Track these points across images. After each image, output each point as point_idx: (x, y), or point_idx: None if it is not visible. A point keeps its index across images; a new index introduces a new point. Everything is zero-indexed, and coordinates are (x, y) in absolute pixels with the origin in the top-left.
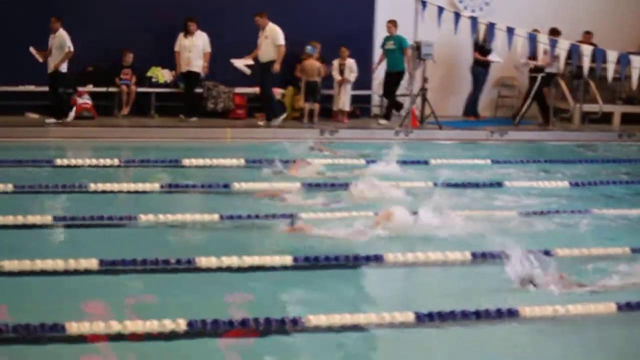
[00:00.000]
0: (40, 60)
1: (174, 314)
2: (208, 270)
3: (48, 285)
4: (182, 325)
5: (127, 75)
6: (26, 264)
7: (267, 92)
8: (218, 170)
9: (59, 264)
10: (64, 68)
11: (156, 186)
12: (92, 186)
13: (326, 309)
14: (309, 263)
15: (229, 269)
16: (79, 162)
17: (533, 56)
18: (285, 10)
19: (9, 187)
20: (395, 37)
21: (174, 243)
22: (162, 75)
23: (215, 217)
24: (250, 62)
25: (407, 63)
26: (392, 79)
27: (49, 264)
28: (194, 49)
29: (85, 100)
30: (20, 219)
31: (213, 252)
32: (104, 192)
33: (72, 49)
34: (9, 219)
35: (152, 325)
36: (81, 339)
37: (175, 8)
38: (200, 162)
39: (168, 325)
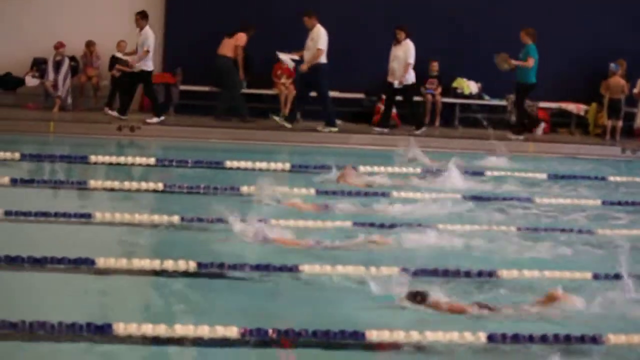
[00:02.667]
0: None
1: None
2: None
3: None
4: None
5: (433, 85)
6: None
7: (325, 94)
8: (520, 180)
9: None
10: (147, 67)
11: (458, 196)
12: (395, 194)
13: None
14: None
15: None
16: (381, 169)
17: None
18: (588, 25)
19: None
20: (526, 47)
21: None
22: (468, 86)
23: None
24: (296, 57)
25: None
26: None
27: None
28: (397, 59)
29: None
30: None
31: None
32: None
33: (151, 49)
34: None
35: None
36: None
37: (481, 19)
38: (501, 173)
39: None
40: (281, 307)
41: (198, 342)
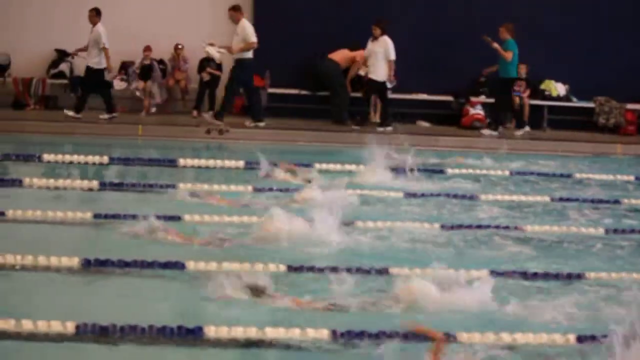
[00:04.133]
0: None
1: None
2: None
3: None
4: None
5: (521, 88)
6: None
7: (252, 89)
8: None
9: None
10: (99, 64)
11: (547, 199)
12: (483, 197)
13: None
14: None
15: None
16: (470, 171)
17: None
18: None
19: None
20: (505, 42)
21: None
22: (556, 88)
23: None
24: (223, 51)
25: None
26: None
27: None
28: (374, 54)
29: (477, 111)
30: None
31: None
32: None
33: (107, 45)
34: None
35: None
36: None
37: (569, 21)
38: (589, 176)
39: None
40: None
41: (288, 344)
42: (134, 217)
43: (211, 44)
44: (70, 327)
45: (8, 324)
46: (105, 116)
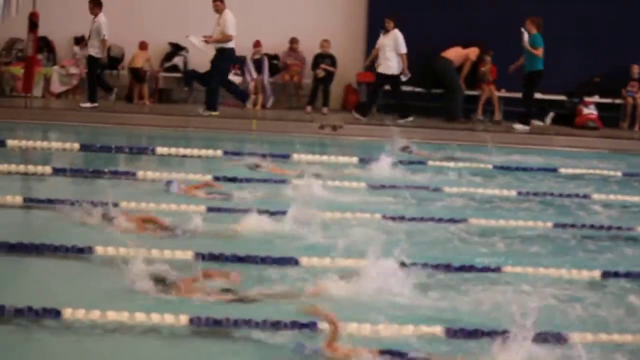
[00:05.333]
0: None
1: None
2: None
3: None
4: None
5: (634, 88)
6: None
7: (217, 80)
8: None
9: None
10: (99, 54)
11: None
12: (595, 197)
13: None
14: None
15: None
16: (583, 171)
17: None
18: None
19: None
20: (531, 37)
21: None
22: None
23: None
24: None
25: None
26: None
27: None
28: (383, 48)
29: (591, 111)
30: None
31: None
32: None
33: (107, 36)
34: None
35: None
36: None
37: None
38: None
39: None
40: None
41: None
42: (245, 211)
43: (206, 38)
44: (183, 320)
45: (122, 316)
46: (87, 105)
